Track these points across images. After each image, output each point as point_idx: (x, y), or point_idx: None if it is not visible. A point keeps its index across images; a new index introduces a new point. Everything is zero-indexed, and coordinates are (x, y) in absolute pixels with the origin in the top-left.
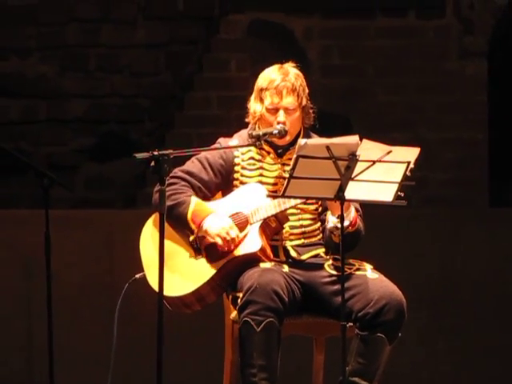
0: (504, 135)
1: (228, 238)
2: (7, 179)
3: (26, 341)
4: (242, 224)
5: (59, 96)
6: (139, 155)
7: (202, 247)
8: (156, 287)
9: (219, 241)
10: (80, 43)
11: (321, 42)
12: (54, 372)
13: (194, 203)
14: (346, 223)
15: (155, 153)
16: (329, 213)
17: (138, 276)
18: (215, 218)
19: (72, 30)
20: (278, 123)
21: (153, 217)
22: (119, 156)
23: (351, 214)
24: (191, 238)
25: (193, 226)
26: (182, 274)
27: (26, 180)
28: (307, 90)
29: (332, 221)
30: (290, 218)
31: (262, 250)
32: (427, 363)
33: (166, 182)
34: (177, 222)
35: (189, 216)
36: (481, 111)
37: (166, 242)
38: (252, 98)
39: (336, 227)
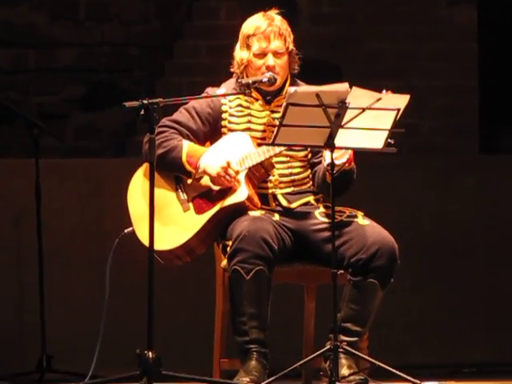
0: (494, 82)
1: (228, 178)
2: None
3: (17, 291)
4: None
5: (49, 45)
6: (128, 104)
7: (200, 190)
8: (145, 241)
9: (219, 180)
10: None
11: None
12: (46, 322)
13: (187, 145)
14: (344, 159)
15: (145, 101)
16: (326, 151)
17: (126, 231)
18: (211, 156)
19: None
20: (267, 68)
21: (139, 170)
22: (109, 105)
23: (349, 151)
24: (189, 181)
25: (189, 168)
26: (171, 227)
27: (16, 129)
28: (292, 36)
29: (330, 156)
30: (280, 166)
31: (249, 198)
32: (419, 311)
33: (155, 132)
34: (172, 166)
35: (184, 158)
36: (471, 59)
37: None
38: (237, 46)
39: (333, 163)
